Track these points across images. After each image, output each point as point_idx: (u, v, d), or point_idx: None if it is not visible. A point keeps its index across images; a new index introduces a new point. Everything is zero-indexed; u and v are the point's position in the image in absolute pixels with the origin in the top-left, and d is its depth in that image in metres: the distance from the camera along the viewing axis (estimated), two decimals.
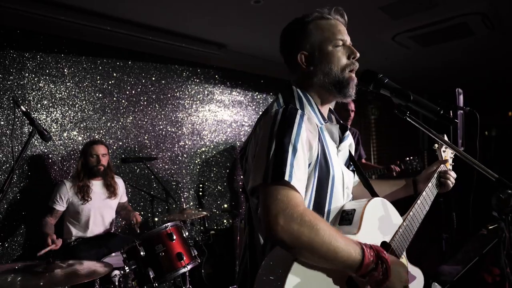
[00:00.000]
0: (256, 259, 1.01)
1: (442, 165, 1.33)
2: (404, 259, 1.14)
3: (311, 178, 0.99)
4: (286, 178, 0.86)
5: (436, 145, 1.40)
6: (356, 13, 2.92)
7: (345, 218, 1.04)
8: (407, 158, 3.18)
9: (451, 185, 1.30)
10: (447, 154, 1.41)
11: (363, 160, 3.58)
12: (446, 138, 1.40)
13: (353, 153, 1.24)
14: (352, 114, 3.38)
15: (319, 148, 1.00)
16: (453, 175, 1.32)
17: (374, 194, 1.17)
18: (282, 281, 0.84)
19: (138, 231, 2.66)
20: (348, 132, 1.18)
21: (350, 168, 1.21)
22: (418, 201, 1.18)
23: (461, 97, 2.66)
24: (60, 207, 2.57)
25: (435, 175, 1.28)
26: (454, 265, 1.72)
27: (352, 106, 3.38)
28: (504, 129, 6.38)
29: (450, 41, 3.78)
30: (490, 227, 1.86)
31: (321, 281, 0.90)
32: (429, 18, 3.15)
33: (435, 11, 2.98)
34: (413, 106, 1.02)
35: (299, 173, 0.90)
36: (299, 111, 0.98)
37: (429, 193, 1.23)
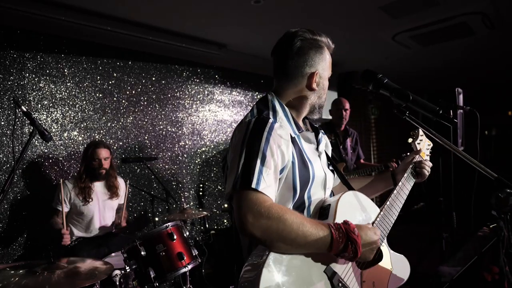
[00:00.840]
0: (244, 258, 1.05)
1: (417, 156, 1.40)
2: (385, 247, 1.19)
3: (289, 181, 1.05)
4: (253, 186, 0.93)
5: (411, 139, 1.47)
6: (356, 12, 2.92)
7: (323, 214, 1.09)
8: (404, 155, 3.18)
9: (427, 174, 1.36)
10: (422, 145, 1.47)
11: (362, 161, 3.57)
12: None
13: (329, 152, 1.31)
14: (346, 113, 3.32)
15: (294, 153, 1.06)
16: (428, 164, 1.37)
17: (351, 189, 1.23)
18: (259, 273, 0.88)
19: (122, 225, 2.68)
20: (321, 135, 1.25)
21: (330, 168, 1.28)
22: (394, 191, 1.25)
23: (461, 96, 2.66)
24: (64, 208, 2.57)
25: (410, 166, 1.35)
26: (454, 266, 1.72)
27: (346, 105, 3.32)
28: (504, 128, 6.38)
29: (450, 41, 3.78)
30: (490, 226, 1.86)
31: (299, 270, 0.94)
32: (429, 17, 3.15)
33: (435, 10, 2.99)
34: (412, 106, 1.02)
35: (268, 179, 0.96)
36: (271, 119, 1.04)
37: (405, 183, 1.30)
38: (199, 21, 2.99)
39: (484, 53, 4.36)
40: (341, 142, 3.35)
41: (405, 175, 1.32)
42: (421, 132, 1.48)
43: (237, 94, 4.26)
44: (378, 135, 6.36)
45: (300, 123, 1.20)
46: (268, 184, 0.95)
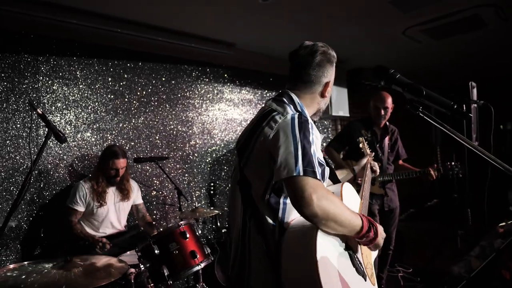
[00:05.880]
0: (268, 242, 1.18)
1: (368, 157, 2.01)
2: None
3: None
4: (317, 174, 1.11)
5: (360, 138, 2.11)
6: (365, 8, 2.89)
7: None
8: (448, 163, 2.93)
9: (378, 172, 2.03)
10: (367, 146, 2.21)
11: (400, 161, 3.22)
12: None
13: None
14: (386, 112, 2.98)
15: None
16: (375, 164, 2.04)
17: (337, 181, 1.53)
18: (312, 246, 1.07)
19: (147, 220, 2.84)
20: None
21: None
22: (366, 185, 1.72)
23: (475, 90, 2.60)
24: (81, 208, 2.63)
25: (368, 165, 1.96)
26: (464, 269, 1.69)
27: (385, 103, 2.95)
28: None
29: (463, 34, 3.70)
30: (507, 222, 1.83)
31: (334, 243, 1.19)
32: (440, 11, 3.09)
33: (446, 3, 2.93)
34: (425, 101, 1.01)
35: (319, 170, 1.16)
36: (310, 119, 1.24)
37: (369, 175, 1.91)
38: (207, 21, 3.00)
39: (498, 44, 4.25)
40: (378, 140, 3.08)
41: (368, 172, 1.86)
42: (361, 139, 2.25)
43: (247, 92, 4.26)
44: None
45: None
46: (320, 174, 1.14)
